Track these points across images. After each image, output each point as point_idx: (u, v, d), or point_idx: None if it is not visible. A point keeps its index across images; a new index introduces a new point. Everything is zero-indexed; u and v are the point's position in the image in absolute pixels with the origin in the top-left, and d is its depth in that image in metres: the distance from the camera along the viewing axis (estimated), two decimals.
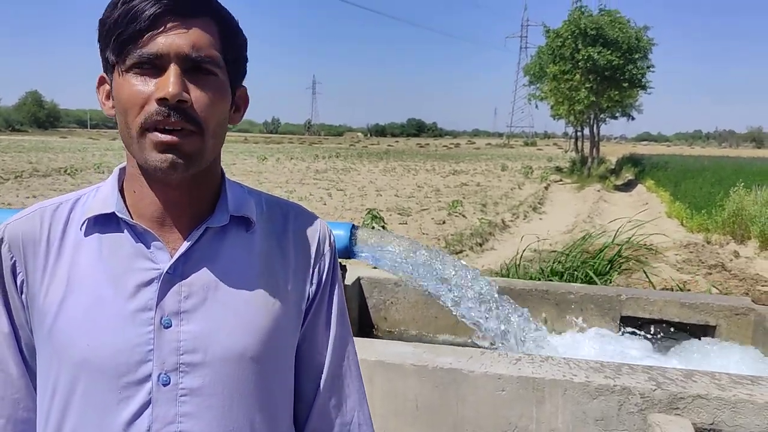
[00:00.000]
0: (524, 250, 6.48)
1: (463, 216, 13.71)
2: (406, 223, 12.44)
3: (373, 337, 3.76)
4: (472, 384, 2.42)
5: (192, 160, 0.91)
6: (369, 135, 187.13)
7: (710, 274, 7.27)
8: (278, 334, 1.01)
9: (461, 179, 25.85)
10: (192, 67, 0.90)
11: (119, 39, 0.89)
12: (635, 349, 3.41)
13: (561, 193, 21.80)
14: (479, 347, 2.98)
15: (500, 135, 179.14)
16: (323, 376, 1.10)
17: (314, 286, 1.08)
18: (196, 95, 0.90)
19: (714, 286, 5.78)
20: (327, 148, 73.41)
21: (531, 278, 5.35)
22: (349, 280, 3.85)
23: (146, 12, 0.87)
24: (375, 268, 3.78)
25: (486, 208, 15.58)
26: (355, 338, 1.15)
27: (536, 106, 47.05)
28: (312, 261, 1.08)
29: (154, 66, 0.89)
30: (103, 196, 0.99)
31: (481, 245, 10.38)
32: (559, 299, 3.75)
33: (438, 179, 25.79)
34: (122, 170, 1.02)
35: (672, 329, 3.59)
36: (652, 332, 3.59)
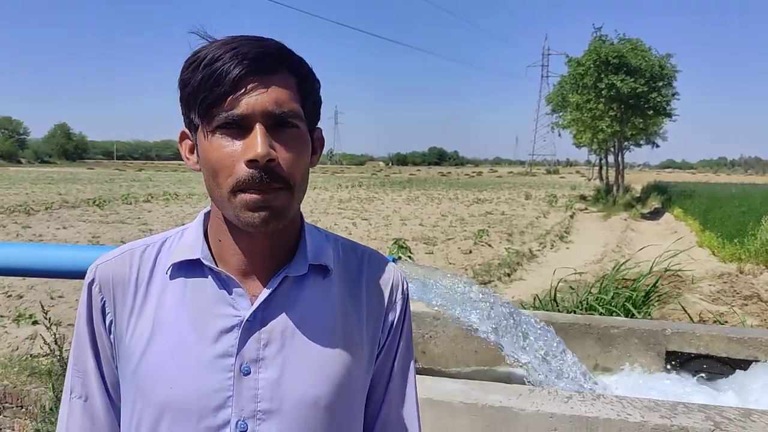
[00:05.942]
0: (558, 283, 6.41)
1: (490, 245, 13.62)
2: (432, 253, 12.40)
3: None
4: (523, 423, 2.38)
5: (282, 215, 0.93)
6: (391, 164, 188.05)
7: (746, 305, 7.12)
8: (351, 382, 1.01)
9: (485, 208, 25.77)
10: (276, 123, 0.91)
11: (204, 103, 0.90)
12: (684, 386, 3.33)
13: (587, 222, 21.61)
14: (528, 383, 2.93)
15: (522, 163, 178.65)
16: (378, 423, 1.10)
17: (385, 334, 1.09)
18: (282, 152, 0.91)
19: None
20: (349, 177, 73.79)
21: (568, 311, 5.28)
22: None
23: (230, 75, 0.88)
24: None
25: (512, 237, 15.47)
26: None
27: (559, 135, 46.98)
28: (384, 308, 1.09)
29: (239, 126, 0.90)
30: (189, 242, 1.02)
31: (509, 275, 10.30)
32: (601, 333, 3.69)
33: (462, 208, 25.74)
34: (206, 215, 1.05)
35: (719, 364, 3.51)
36: (698, 367, 3.51)
